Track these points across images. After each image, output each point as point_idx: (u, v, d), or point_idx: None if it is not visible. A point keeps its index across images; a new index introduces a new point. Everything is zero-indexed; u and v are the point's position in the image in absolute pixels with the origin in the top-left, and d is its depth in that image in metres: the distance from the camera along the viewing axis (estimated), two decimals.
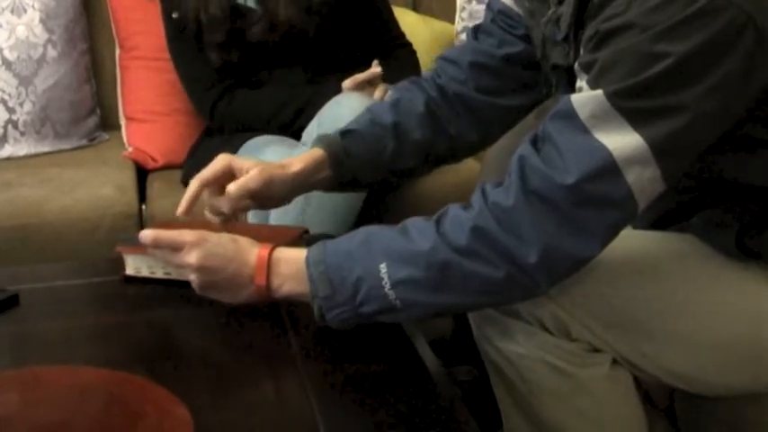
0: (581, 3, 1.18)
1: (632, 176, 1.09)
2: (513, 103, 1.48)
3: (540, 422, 1.28)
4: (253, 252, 1.24)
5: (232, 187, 1.37)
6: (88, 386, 1.13)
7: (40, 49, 2.44)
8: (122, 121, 2.55)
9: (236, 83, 2.21)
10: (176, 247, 1.27)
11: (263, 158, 1.89)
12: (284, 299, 1.25)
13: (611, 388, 1.27)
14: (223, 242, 1.26)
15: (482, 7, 2.54)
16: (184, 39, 2.21)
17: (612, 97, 1.08)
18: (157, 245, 1.30)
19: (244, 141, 2.10)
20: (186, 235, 1.27)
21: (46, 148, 2.46)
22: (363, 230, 1.22)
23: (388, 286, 1.16)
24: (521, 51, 1.44)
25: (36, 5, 2.45)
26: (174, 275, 1.41)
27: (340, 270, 1.18)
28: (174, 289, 1.39)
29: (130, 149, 2.46)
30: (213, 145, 2.17)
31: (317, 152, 1.44)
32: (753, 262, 1.24)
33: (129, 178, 2.31)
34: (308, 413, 1.09)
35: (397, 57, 2.27)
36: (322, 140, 1.46)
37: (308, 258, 1.21)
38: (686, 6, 1.06)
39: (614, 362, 1.26)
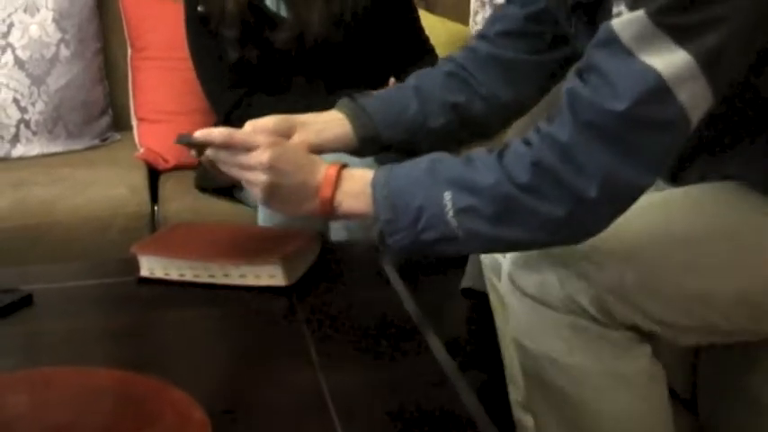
0: None
1: (684, 95, 1.08)
2: (545, 59, 1.47)
3: (576, 417, 1.28)
4: (322, 165, 1.26)
5: (248, 126, 1.36)
6: (103, 387, 1.12)
7: (53, 49, 2.45)
8: (134, 122, 2.54)
9: (254, 87, 2.18)
10: (249, 147, 1.25)
11: None
12: (344, 216, 1.25)
13: (648, 383, 1.27)
14: (296, 149, 1.29)
15: None
16: (206, 35, 2.17)
17: (655, 16, 1.08)
18: (229, 144, 1.27)
19: None
20: (260, 137, 1.27)
21: (58, 148, 2.46)
22: (428, 158, 1.22)
23: (450, 214, 1.15)
24: (542, 9, 1.43)
25: (49, 5, 2.45)
26: (189, 277, 1.40)
27: (403, 195, 1.18)
28: (188, 290, 1.39)
29: (142, 150, 2.46)
30: None
31: (336, 115, 1.45)
32: None
33: (141, 179, 2.31)
34: (326, 417, 1.08)
35: (422, 64, 2.25)
36: (337, 103, 1.47)
37: (373, 180, 1.21)
38: None
39: (653, 356, 1.27)
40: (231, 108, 2.17)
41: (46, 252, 2.08)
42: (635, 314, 1.23)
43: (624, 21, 1.10)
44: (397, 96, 1.47)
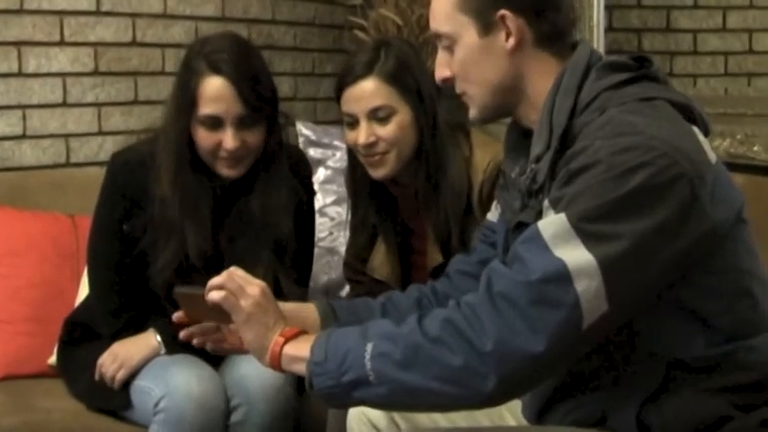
0: (555, 159, 1.39)
1: (581, 286, 1.27)
2: None
3: None
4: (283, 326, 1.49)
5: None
6: None
7: None
8: None
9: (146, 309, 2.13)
10: (248, 281, 1.50)
11: (171, 379, 1.96)
12: (287, 359, 1.44)
13: None
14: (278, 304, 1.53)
15: None
16: (117, 253, 2.12)
17: (573, 220, 1.29)
18: (232, 276, 1.50)
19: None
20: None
21: None
22: (372, 321, 1.47)
23: (368, 357, 1.34)
24: (492, 255, 1.64)
25: None
26: None
27: (337, 342, 1.38)
28: None
29: None
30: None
31: (309, 305, 1.68)
32: None
33: None
34: None
35: None
36: (314, 300, 1.69)
37: (318, 334, 1.43)
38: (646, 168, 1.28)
39: None
40: (120, 329, 2.13)
41: None
42: None
43: (548, 221, 1.31)
44: (364, 305, 1.69)
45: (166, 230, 2.07)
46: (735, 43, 2.93)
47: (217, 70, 2.02)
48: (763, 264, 1.45)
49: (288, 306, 1.60)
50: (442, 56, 1.53)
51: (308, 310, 1.66)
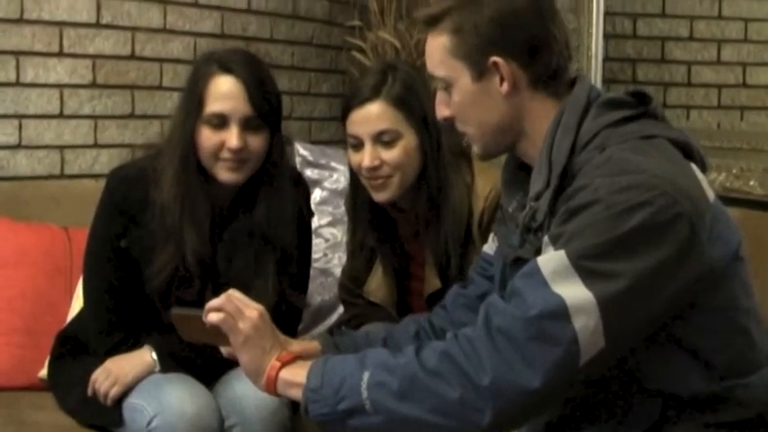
0: (554, 197, 1.40)
1: (579, 323, 1.27)
2: None
3: None
4: (289, 346, 1.54)
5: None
6: None
7: None
8: None
9: (138, 327, 2.11)
10: (246, 305, 1.51)
11: (164, 397, 1.94)
12: (282, 384, 1.46)
13: None
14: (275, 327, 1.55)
15: None
16: (113, 267, 2.09)
17: (573, 257, 1.29)
18: (230, 299, 1.52)
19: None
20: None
21: None
22: (367, 350, 1.47)
23: (364, 386, 1.35)
24: (490, 289, 1.66)
25: None
26: None
27: (334, 369, 1.40)
28: None
29: None
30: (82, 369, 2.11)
31: (314, 343, 1.69)
32: None
33: None
34: None
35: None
36: (318, 335, 1.70)
37: (315, 361, 1.44)
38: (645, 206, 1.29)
39: None
40: (113, 347, 2.10)
41: None
42: None
43: (547, 257, 1.32)
44: (366, 341, 1.69)
45: (165, 235, 2.06)
46: (728, 76, 2.95)
47: (228, 70, 2.04)
48: (758, 301, 1.46)
49: (295, 347, 1.58)
50: (441, 96, 1.54)
51: (312, 347, 1.66)
